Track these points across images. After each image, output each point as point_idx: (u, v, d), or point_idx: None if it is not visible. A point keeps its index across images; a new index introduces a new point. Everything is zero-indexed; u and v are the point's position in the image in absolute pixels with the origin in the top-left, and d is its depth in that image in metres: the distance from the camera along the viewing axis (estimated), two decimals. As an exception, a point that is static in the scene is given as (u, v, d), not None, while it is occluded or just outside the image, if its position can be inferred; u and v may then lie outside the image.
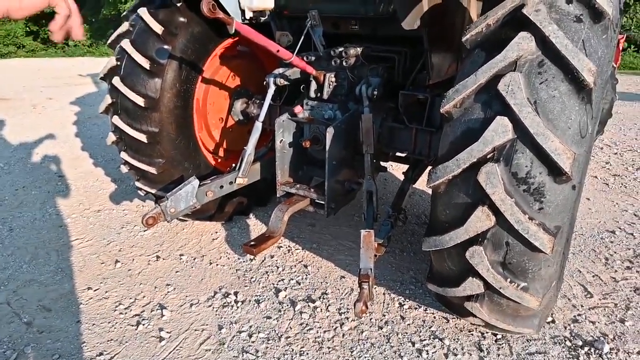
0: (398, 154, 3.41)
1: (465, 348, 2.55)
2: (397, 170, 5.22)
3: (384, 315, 2.81)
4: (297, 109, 3.01)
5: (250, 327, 2.73)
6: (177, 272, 3.31)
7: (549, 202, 1.85)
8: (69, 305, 2.96)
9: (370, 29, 3.03)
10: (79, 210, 4.34)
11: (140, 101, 3.03)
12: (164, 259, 3.47)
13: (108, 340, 2.64)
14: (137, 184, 3.44)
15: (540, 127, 1.76)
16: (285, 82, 3.10)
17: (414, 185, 3.47)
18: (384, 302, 2.94)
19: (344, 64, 2.95)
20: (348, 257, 3.46)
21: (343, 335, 2.66)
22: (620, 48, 6.78)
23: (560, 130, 1.79)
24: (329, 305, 2.90)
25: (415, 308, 2.88)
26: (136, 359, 2.51)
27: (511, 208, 1.83)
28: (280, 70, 3.11)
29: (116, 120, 3.14)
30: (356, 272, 3.08)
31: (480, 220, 1.91)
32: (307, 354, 2.52)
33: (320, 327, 2.72)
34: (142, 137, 3.11)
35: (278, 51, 2.55)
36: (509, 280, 2.00)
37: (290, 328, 2.72)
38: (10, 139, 6.66)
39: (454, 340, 2.61)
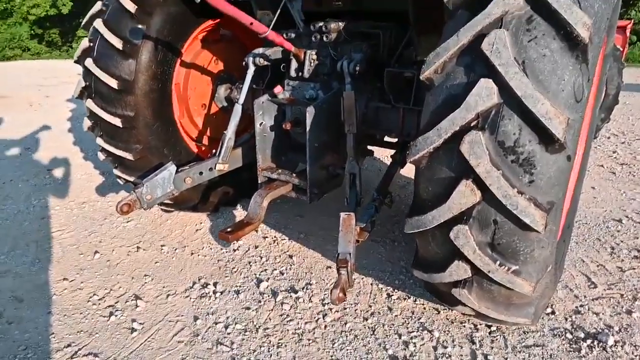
0: (387, 138, 3.23)
1: (456, 340, 2.36)
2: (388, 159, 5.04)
3: (370, 307, 2.64)
4: (277, 89, 2.85)
5: (227, 318, 2.56)
6: (156, 262, 3.16)
7: (541, 174, 1.66)
8: (42, 296, 2.81)
9: (354, 4, 2.85)
10: (63, 202, 4.21)
11: (113, 84, 2.88)
12: (144, 250, 3.32)
13: (78, 332, 2.49)
14: (116, 171, 3.30)
15: (528, 88, 1.58)
16: (265, 62, 2.94)
17: (408, 175, 3.31)
18: (370, 293, 2.76)
19: (325, 39, 2.79)
20: (336, 248, 3.26)
21: (325, 326, 2.48)
22: (628, 34, 6.52)
23: (552, 93, 1.60)
24: (312, 296, 2.73)
25: (404, 299, 2.70)
26: (105, 350, 2.35)
27: (498, 181, 1.65)
28: (260, 50, 2.95)
29: (90, 104, 3.00)
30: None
31: (465, 195, 1.73)
32: (286, 346, 2.35)
33: (301, 319, 2.54)
34: (117, 122, 2.96)
35: (251, 24, 2.39)
36: (498, 263, 1.81)
37: (270, 319, 2.55)
38: (2, 135, 6.58)
39: (444, 332, 2.42)
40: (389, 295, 2.74)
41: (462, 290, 1.99)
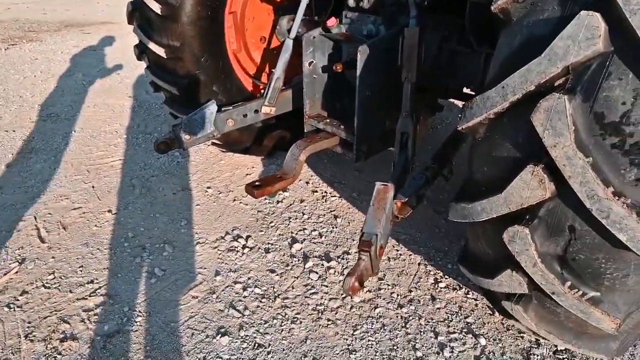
0: (466, 90, 2.61)
1: (507, 354, 1.90)
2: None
3: (410, 292, 2.23)
4: (331, 21, 2.37)
5: (249, 278, 2.35)
6: (197, 205, 3.03)
7: (658, 169, 1.07)
8: (84, 226, 2.85)
9: None
10: (129, 129, 4.26)
11: (157, 9, 2.62)
12: (190, 190, 3.21)
13: (104, 269, 2.47)
14: (165, 104, 3.15)
15: (662, 31, 0.96)
16: (324, -12, 2.45)
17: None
18: (415, 275, 2.34)
19: (394, -43, 2.20)
20: (388, 213, 2.86)
21: (351, 307, 2.15)
22: None
23: None
24: (346, 268, 2.40)
25: (454, 289, 2.25)
26: (121, 293, 2.29)
27: (583, 173, 1.10)
28: (319, -28, 2.46)
29: (136, 31, 2.80)
30: (394, 235, 2.53)
31: (529, 187, 1.20)
32: (300, 322, 2.08)
33: (326, 293, 2.24)
34: (162, 52, 2.74)
35: None
36: (568, 284, 1.29)
37: (292, 288, 2.28)
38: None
39: (494, 340, 1.96)
40: (436, 282, 2.30)
41: (516, 306, 1.50)
